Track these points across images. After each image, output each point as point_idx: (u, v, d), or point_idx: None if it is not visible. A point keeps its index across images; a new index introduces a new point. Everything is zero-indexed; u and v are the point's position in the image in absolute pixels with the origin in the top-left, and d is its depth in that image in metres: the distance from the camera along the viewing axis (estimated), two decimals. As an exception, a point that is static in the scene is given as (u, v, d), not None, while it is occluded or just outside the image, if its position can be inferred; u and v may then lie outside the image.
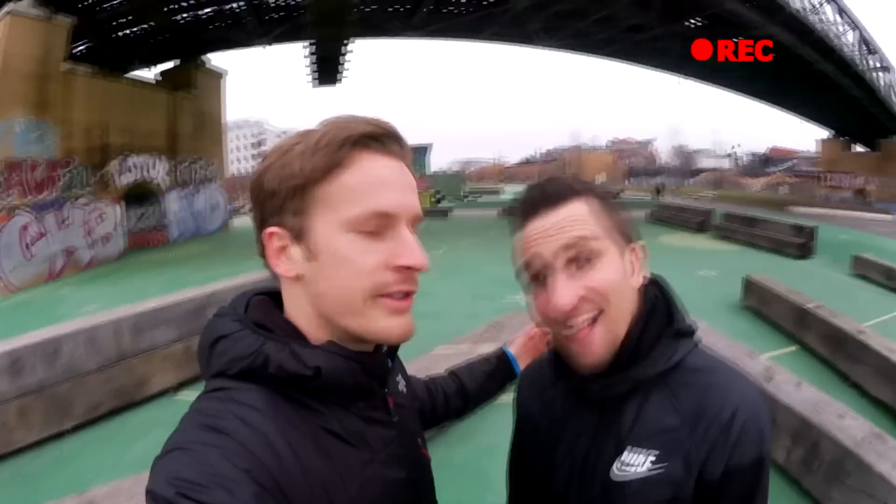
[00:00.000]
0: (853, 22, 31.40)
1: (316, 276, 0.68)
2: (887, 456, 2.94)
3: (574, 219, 0.82)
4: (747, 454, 0.76)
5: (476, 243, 15.67)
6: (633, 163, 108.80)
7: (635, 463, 0.81)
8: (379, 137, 0.69)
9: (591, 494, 0.86)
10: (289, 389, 0.65)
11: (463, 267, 11.63)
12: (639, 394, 0.84)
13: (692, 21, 26.15)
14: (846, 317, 6.04)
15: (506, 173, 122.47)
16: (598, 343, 0.82)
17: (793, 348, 6.38)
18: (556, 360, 0.92)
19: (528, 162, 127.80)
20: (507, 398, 3.77)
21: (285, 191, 0.67)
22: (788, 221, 17.06)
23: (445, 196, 35.01)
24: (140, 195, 18.59)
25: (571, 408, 0.91)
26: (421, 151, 32.24)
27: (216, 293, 5.73)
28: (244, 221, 28.64)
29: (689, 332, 0.87)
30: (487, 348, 4.78)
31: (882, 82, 35.19)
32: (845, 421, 3.32)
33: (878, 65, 35.04)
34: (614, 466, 0.83)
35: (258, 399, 0.63)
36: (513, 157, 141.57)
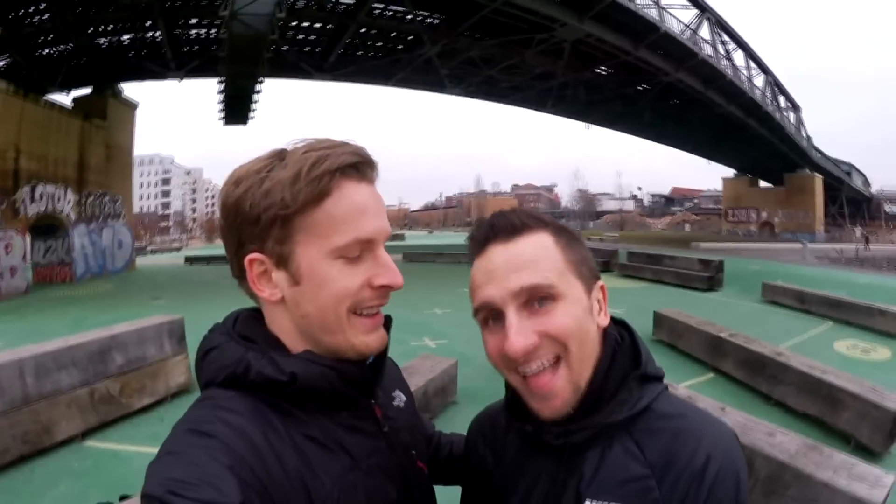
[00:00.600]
0: (762, 66, 34.02)
1: (299, 298, 0.71)
2: (825, 464, 3.05)
3: (529, 257, 0.77)
4: (723, 502, 0.71)
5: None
6: (536, 207, 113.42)
7: None
8: (358, 166, 0.71)
9: None
10: (271, 396, 0.68)
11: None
12: (601, 441, 0.77)
13: (601, 69, 27.46)
14: (761, 342, 6.36)
15: (408, 218, 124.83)
16: (560, 390, 0.76)
17: (709, 376, 6.61)
18: (511, 402, 0.86)
19: (431, 207, 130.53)
20: None
21: (268, 219, 0.68)
22: (694, 256, 17.77)
23: None
24: (47, 227, 17.60)
25: (526, 456, 0.85)
26: None
27: (119, 335, 5.41)
28: (148, 261, 27.33)
29: (656, 377, 0.81)
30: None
31: (790, 121, 38.11)
32: (776, 438, 3.43)
33: (787, 104, 38.05)
34: None
35: (242, 404, 0.66)
36: (415, 202, 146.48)
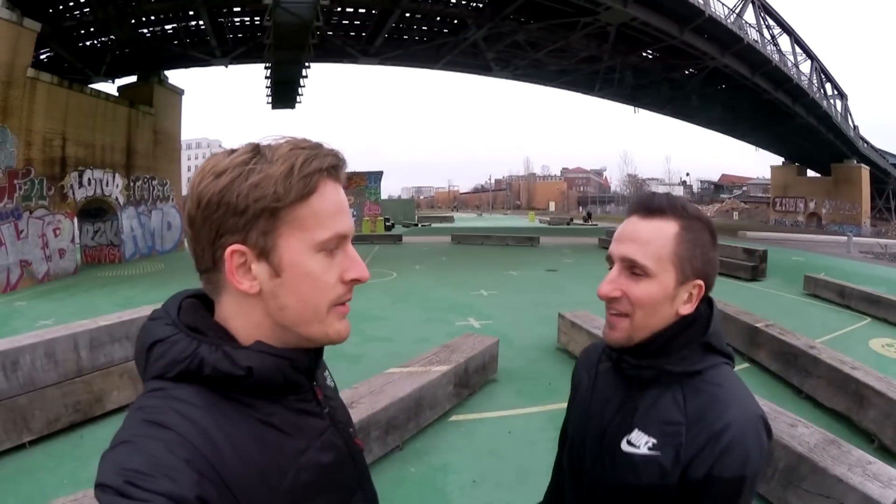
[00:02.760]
0: (808, 52, 32.79)
1: (279, 290, 0.73)
2: (842, 459, 3.07)
3: (645, 236, 0.99)
4: (729, 469, 0.87)
5: (428, 269, 15.79)
6: (585, 191, 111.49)
7: (638, 443, 0.97)
8: (337, 168, 0.76)
9: (602, 456, 1.04)
10: (224, 388, 0.70)
11: (415, 292, 11.78)
12: (659, 386, 0.99)
13: (647, 53, 26.87)
14: (796, 334, 6.28)
15: (458, 200, 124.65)
16: (618, 329, 1.02)
17: (744, 365, 6.57)
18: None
19: (479, 190, 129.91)
20: (458, 417, 4.25)
21: (256, 210, 0.70)
22: (739, 245, 17.36)
23: (396, 222, 35.37)
24: (95, 210, 18.27)
25: (609, 384, 1.10)
26: (374, 177, 32.21)
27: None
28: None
29: (720, 352, 1.01)
30: (439, 369, 4.78)
31: (837, 109, 36.64)
32: (797, 429, 3.46)
33: (834, 92, 36.62)
34: (623, 440, 1.00)
35: (195, 396, 0.68)
36: (464, 184, 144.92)
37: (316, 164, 0.72)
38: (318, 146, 0.75)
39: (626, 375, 1.05)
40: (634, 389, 1.03)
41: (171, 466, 0.60)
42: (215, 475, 0.63)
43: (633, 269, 0.99)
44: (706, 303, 1.05)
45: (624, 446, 0.99)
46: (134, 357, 0.76)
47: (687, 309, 1.01)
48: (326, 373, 0.93)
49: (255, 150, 0.72)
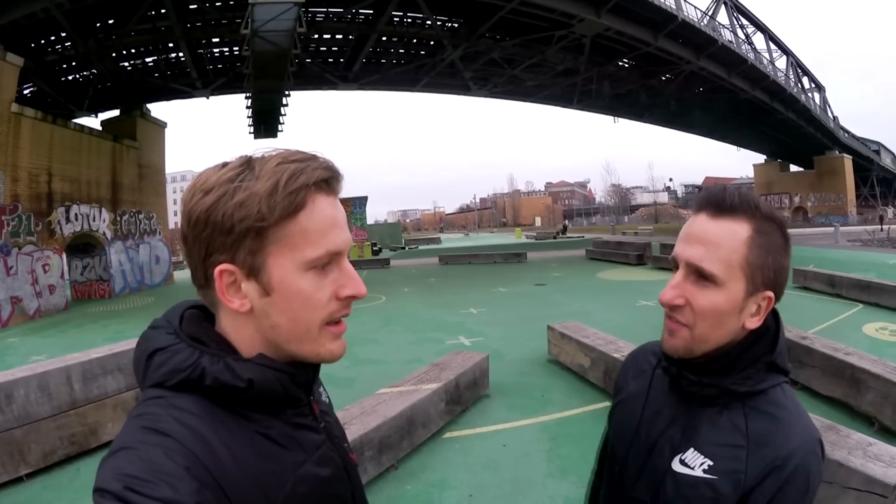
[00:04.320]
0: (783, 48, 33.26)
1: (270, 309, 0.71)
2: (842, 444, 3.05)
3: (715, 240, 0.89)
4: (792, 497, 0.83)
5: (417, 291, 15.86)
6: (570, 204, 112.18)
7: (692, 464, 0.91)
8: (329, 180, 0.73)
9: (646, 474, 0.98)
10: (223, 399, 0.69)
11: (404, 314, 11.81)
12: (719, 403, 0.92)
13: (623, 62, 27.15)
14: (788, 326, 6.25)
15: (444, 221, 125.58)
16: (678, 338, 0.94)
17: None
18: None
19: (465, 209, 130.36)
20: (451, 433, 4.32)
21: (242, 230, 0.68)
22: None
23: (383, 246, 35.32)
24: (84, 246, 18.21)
25: (660, 395, 1.02)
26: (359, 202, 32.34)
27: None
28: (187, 274, 27.84)
29: (783, 370, 0.94)
30: (429, 387, 4.80)
31: (815, 102, 37.14)
32: (795, 418, 3.45)
33: (811, 85, 37.12)
34: (676, 458, 0.93)
35: (195, 405, 0.67)
36: (450, 205, 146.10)
37: (303, 180, 0.69)
38: (310, 159, 0.72)
39: (683, 391, 0.97)
40: (691, 405, 0.95)
41: (171, 473, 0.59)
42: (214, 484, 0.62)
43: (700, 276, 0.90)
44: (773, 315, 0.97)
45: (676, 466, 0.92)
46: (133, 364, 0.75)
47: (754, 323, 0.92)
48: (322, 388, 0.92)
49: (246, 165, 0.71)
